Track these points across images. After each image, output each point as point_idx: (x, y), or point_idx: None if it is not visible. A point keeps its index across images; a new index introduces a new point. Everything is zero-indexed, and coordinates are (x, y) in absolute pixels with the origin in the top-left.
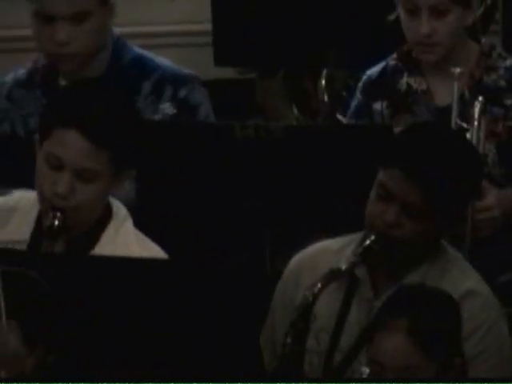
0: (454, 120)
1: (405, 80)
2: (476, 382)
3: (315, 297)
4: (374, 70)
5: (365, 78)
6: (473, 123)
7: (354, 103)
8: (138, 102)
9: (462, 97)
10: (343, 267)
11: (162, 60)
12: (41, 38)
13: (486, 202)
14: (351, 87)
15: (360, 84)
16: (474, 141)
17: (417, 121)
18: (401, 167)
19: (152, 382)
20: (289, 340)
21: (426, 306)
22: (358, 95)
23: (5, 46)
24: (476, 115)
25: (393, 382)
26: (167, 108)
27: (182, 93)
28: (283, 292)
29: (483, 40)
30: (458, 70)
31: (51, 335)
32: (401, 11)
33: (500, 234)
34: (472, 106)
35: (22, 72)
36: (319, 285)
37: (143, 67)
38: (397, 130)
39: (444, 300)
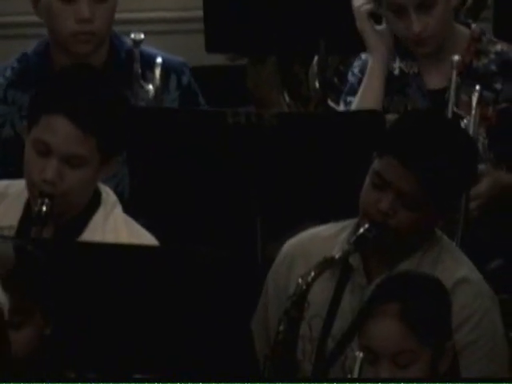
0: (451, 108)
1: (397, 64)
2: (477, 382)
3: (309, 285)
4: (367, 56)
5: (359, 61)
6: (470, 112)
7: (351, 81)
8: (147, 91)
9: (451, 81)
10: (337, 256)
11: (153, 50)
12: (60, 18)
13: (479, 189)
14: (342, 73)
15: (354, 67)
16: (471, 128)
17: (409, 104)
18: (396, 156)
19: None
20: (282, 327)
21: (417, 291)
22: (351, 78)
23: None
24: (474, 104)
25: (393, 381)
26: (175, 98)
27: (185, 80)
28: (275, 278)
29: (473, 26)
30: (456, 57)
31: (48, 306)
32: (386, 12)
33: (489, 221)
34: (463, 90)
35: (9, 72)
36: (313, 273)
37: (144, 59)
38: (389, 117)
39: (434, 285)
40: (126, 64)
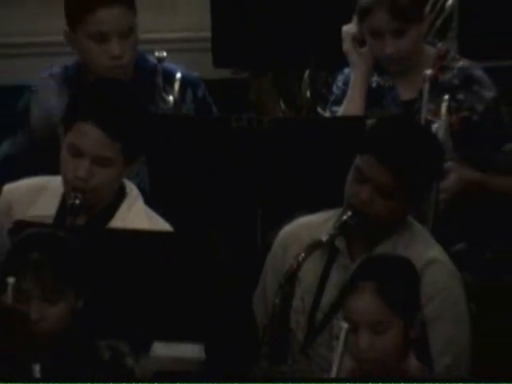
0: (424, 115)
1: (375, 78)
2: (477, 382)
3: (300, 264)
4: (350, 70)
5: (343, 75)
6: (441, 117)
7: (336, 92)
8: (167, 102)
9: (420, 92)
10: (324, 239)
11: (173, 66)
12: (94, 56)
13: (447, 183)
14: (330, 85)
15: (338, 80)
16: (442, 132)
17: (385, 113)
18: (374, 154)
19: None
20: (277, 300)
21: (391, 271)
22: (336, 90)
23: (37, 50)
24: (444, 110)
25: (392, 381)
26: (191, 109)
27: (200, 93)
28: (273, 260)
29: (438, 45)
30: (429, 71)
31: (79, 284)
32: (366, 35)
33: (454, 211)
34: (430, 100)
35: (52, 83)
36: (303, 254)
37: (165, 74)
38: (368, 122)
39: (405, 265)
40: (149, 79)
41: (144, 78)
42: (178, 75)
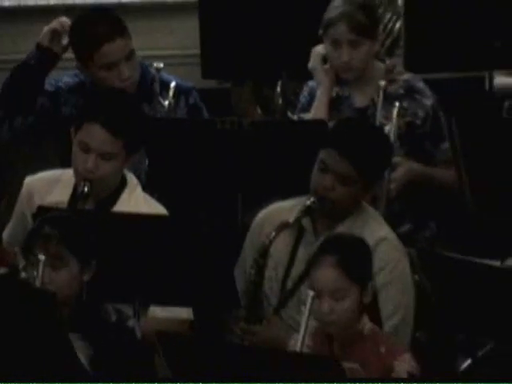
0: (379, 119)
1: (335, 89)
2: (477, 381)
3: (271, 241)
4: (314, 83)
5: (308, 87)
6: (392, 121)
7: (302, 101)
8: (163, 106)
9: (372, 100)
10: (290, 220)
11: (169, 76)
12: (107, 81)
13: (396, 174)
14: (298, 94)
15: (304, 91)
16: (392, 132)
17: (343, 117)
18: (335, 148)
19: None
20: (252, 271)
21: (347, 247)
22: (302, 99)
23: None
24: (395, 114)
25: (393, 382)
26: (184, 113)
27: (191, 100)
28: (251, 238)
29: (387, 61)
30: (382, 82)
31: (84, 258)
32: (326, 43)
33: (401, 196)
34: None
35: (72, 81)
36: (274, 233)
37: (162, 83)
38: (329, 124)
39: (359, 242)
40: (149, 86)
41: (145, 85)
42: (173, 84)
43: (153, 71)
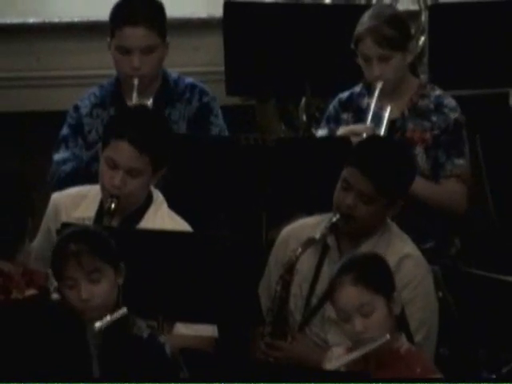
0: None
1: (366, 100)
2: (478, 382)
3: (297, 257)
4: (344, 95)
5: (338, 98)
6: (414, 136)
7: (326, 114)
8: (182, 107)
9: (402, 114)
10: (317, 237)
11: (191, 79)
12: (120, 64)
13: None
14: (322, 110)
15: (334, 102)
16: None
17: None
18: (357, 167)
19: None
20: (278, 287)
21: (361, 262)
22: (331, 109)
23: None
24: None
25: (393, 382)
26: (196, 107)
27: (205, 99)
28: (275, 255)
29: (422, 77)
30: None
31: (118, 265)
32: (360, 59)
33: (424, 215)
34: (410, 120)
35: (92, 97)
36: (300, 249)
37: (183, 85)
38: (354, 140)
39: (374, 255)
40: (172, 88)
41: (168, 87)
42: (189, 80)
43: (174, 74)
